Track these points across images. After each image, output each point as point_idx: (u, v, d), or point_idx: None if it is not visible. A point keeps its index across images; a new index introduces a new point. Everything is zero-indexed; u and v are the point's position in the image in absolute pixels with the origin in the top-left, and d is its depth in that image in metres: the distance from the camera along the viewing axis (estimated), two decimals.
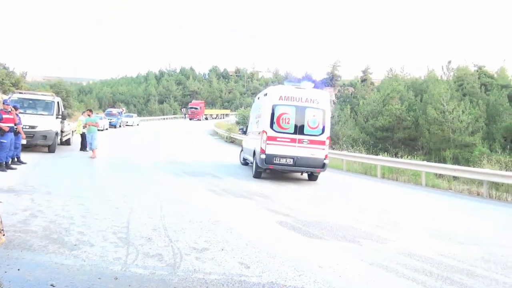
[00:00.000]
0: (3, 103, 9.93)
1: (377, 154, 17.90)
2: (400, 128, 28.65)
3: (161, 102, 75.49)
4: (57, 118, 14.11)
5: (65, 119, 15.60)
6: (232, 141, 27.86)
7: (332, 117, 29.51)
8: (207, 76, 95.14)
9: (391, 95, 32.43)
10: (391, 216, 7.25)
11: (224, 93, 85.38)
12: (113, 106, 59.42)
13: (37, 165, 10.56)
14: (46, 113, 13.81)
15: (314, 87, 11.34)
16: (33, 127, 12.57)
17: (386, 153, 17.40)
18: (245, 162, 13.85)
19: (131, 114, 47.25)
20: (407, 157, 16.76)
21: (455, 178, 12.91)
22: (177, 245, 4.53)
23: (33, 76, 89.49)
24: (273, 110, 10.44)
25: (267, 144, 10.34)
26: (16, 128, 9.88)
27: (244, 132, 14.67)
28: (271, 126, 10.42)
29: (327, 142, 10.66)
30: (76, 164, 11.69)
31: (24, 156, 10.89)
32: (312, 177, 11.43)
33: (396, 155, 18.58)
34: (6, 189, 7.06)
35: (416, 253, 4.89)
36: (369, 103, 33.81)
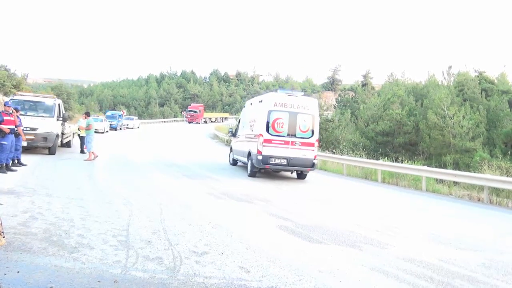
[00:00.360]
0: (4, 105, 9.93)
1: (377, 159, 17.95)
2: (401, 133, 28.59)
3: (161, 105, 75.56)
4: (57, 120, 14.13)
5: (65, 121, 15.60)
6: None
7: (332, 121, 29.71)
8: (208, 80, 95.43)
9: (391, 99, 32.48)
10: (391, 221, 7.23)
11: (224, 96, 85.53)
12: (113, 109, 59.37)
13: (38, 167, 10.56)
14: (47, 115, 13.83)
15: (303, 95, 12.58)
16: (34, 129, 12.58)
17: (386, 157, 17.44)
18: (234, 162, 15.16)
19: (131, 116, 47.24)
20: (408, 162, 16.73)
21: (455, 183, 12.92)
22: (177, 249, 4.52)
23: (34, 78, 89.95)
24: (268, 115, 11.42)
25: (264, 146, 11.35)
26: (16, 130, 9.89)
27: (233, 135, 15.68)
28: (267, 130, 11.41)
29: (316, 144, 11.83)
30: (76, 166, 11.68)
31: (24, 158, 10.90)
32: (302, 176, 12.49)
33: (396, 160, 18.59)
34: (6, 191, 7.05)
35: (416, 258, 4.87)
36: (370, 107, 33.82)
